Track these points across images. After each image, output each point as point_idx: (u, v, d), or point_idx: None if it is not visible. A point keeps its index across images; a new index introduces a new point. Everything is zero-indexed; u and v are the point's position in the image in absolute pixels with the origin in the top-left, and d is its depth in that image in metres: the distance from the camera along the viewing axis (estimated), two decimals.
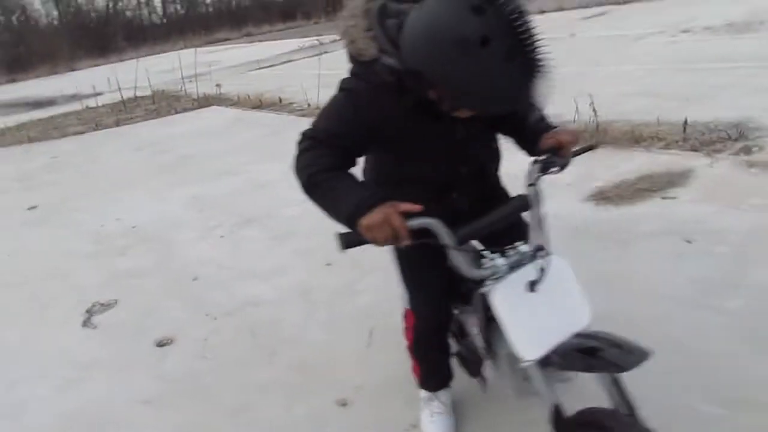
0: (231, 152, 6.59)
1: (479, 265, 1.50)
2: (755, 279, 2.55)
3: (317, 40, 17.44)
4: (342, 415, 2.28)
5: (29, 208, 5.69)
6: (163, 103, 10.99)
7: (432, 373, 2.10)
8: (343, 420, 2.26)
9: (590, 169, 3.91)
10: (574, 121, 4.81)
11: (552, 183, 1.73)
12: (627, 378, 1.44)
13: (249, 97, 9.58)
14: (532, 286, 1.45)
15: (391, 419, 2.19)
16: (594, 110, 4.69)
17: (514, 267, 1.49)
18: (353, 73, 1.54)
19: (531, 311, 1.45)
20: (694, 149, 4.05)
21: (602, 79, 6.53)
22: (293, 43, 18.62)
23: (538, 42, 1.26)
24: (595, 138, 4.39)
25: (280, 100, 8.95)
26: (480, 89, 1.30)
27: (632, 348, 1.37)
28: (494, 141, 1.79)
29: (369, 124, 1.51)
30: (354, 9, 1.50)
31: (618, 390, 1.49)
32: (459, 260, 1.48)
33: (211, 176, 5.72)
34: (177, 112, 9.87)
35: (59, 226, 5.05)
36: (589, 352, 1.40)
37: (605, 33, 9.88)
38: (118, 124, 9.74)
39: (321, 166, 1.48)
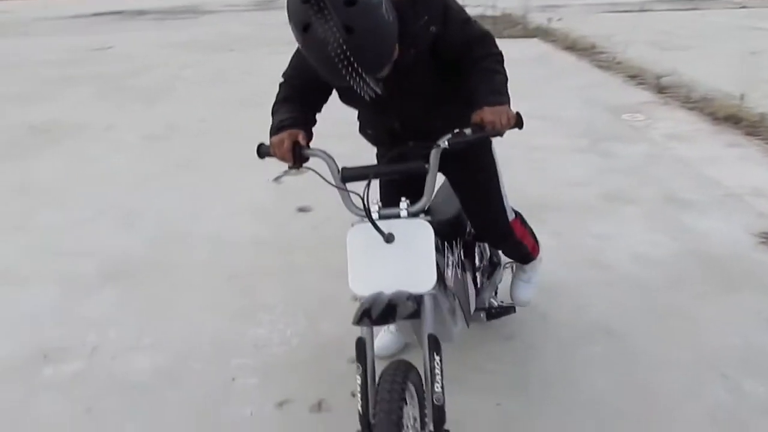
0: None
1: (354, 206, 1.75)
2: None
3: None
4: None
5: None
6: (500, 26, 11.65)
7: None
8: None
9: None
10: None
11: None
12: None
13: (568, 37, 9.67)
14: (388, 238, 1.70)
15: None
16: None
17: (383, 217, 1.74)
18: None
19: (375, 256, 1.71)
20: None
21: None
22: None
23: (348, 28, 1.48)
24: None
25: (593, 47, 8.90)
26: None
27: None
28: (445, 102, 1.93)
29: (314, 73, 1.69)
30: None
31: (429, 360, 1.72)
32: (341, 196, 1.77)
33: None
34: (500, 37, 10.46)
35: None
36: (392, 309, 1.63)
37: None
38: None
39: (278, 97, 1.97)
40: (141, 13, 19.12)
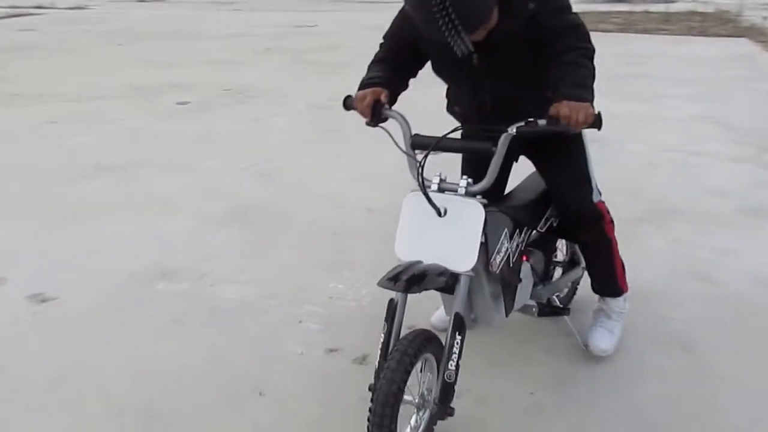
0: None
1: (417, 174, 1.80)
2: None
3: None
4: None
5: None
6: (708, 23, 10.65)
7: None
8: None
9: None
10: None
11: None
12: None
13: None
14: (440, 212, 1.76)
15: None
16: None
17: (441, 190, 1.81)
18: None
19: (424, 226, 1.79)
20: None
21: None
22: None
23: None
24: None
25: None
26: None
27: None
28: (538, 87, 1.89)
29: (411, 39, 1.92)
30: None
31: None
32: (408, 162, 1.86)
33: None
34: (699, 34, 9.58)
35: None
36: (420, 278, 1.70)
37: None
38: (646, 31, 10.09)
39: (374, 57, 2.09)
40: None
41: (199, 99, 6.57)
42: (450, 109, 2.23)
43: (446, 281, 1.78)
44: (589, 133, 2.05)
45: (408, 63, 2.05)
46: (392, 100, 1.99)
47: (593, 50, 1.86)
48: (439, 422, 1.88)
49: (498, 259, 1.93)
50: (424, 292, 1.76)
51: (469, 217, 1.78)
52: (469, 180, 1.83)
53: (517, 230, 2.06)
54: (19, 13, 14.75)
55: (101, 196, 4.01)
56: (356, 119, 2.03)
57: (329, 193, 4.01)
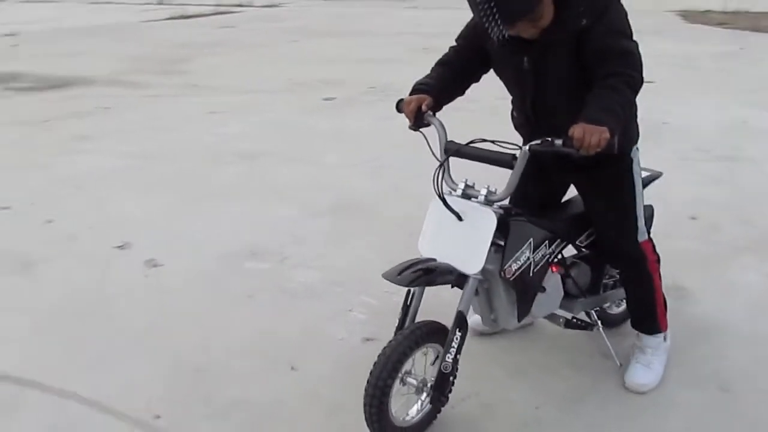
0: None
1: (445, 181, 2.00)
2: None
3: None
4: None
5: None
6: None
7: None
8: None
9: None
10: None
11: None
12: None
13: None
14: (460, 216, 1.92)
15: None
16: None
17: (465, 197, 1.96)
18: None
19: (444, 227, 1.96)
20: None
21: None
22: None
23: None
24: None
25: None
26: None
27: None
28: (575, 90, 1.90)
29: (480, 40, 2.00)
30: None
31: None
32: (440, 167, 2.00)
33: None
34: None
35: None
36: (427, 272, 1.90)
37: None
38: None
39: (440, 58, 2.18)
40: None
41: (345, 95, 7.04)
42: (511, 114, 2.27)
43: (453, 280, 1.95)
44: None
45: (473, 66, 2.13)
46: (438, 106, 2.12)
47: (639, 80, 1.85)
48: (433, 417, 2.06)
49: (514, 267, 2.02)
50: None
51: (481, 223, 1.92)
52: (492, 189, 1.95)
53: (547, 242, 2.11)
54: (222, 11, 16.59)
55: (231, 181, 4.57)
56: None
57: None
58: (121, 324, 2.83)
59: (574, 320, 2.38)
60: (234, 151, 5.21)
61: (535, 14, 1.81)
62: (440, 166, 2.00)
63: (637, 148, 2.16)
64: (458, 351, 1.95)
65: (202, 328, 2.78)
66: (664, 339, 2.35)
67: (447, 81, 2.14)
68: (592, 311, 2.45)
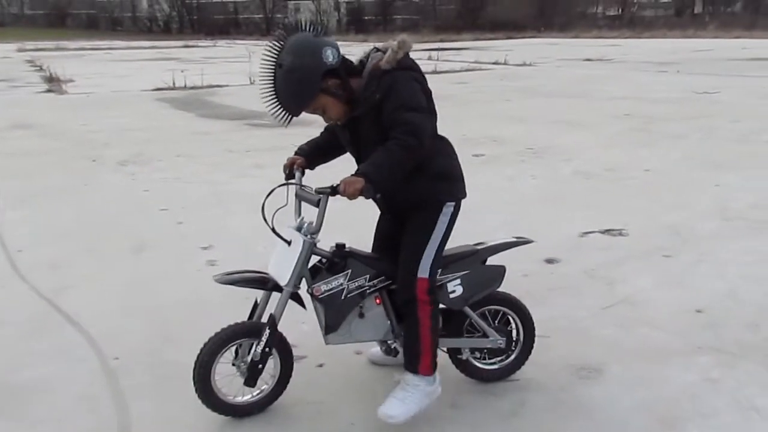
0: None
1: (263, 213, 2.46)
2: None
3: None
4: None
5: None
6: None
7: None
8: None
9: None
10: None
11: None
12: None
13: None
14: (288, 242, 2.44)
15: None
16: None
17: (297, 229, 2.45)
18: None
19: (278, 251, 2.50)
20: None
21: None
22: None
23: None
24: None
25: None
26: None
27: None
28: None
29: None
30: None
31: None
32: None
33: None
34: None
35: None
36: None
37: None
38: None
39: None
40: None
41: (495, 153, 7.38)
42: None
43: (270, 288, 2.51)
44: None
45: (336, 137, 2.59)
46: (311, 166, 2.68)
47: (414, 145, 2.22)
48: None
49: (324, 288, 2.45)
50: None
51: (295, 247, 2.43)
52: (310, 223, 2.44)
53: (368, 276, 2.49)
54: (473, 67, 17.80)
55: None
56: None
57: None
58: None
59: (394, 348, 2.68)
60: None
61: (307, 111, 2.35)
62: (265, 198, 2.41)
63: (456, 207, 2.47)
64: (266, 345, 2.44)
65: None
66: (429, 383, 2.46)
67: (320, 147, 2.68)
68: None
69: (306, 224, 2.45)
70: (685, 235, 4.55)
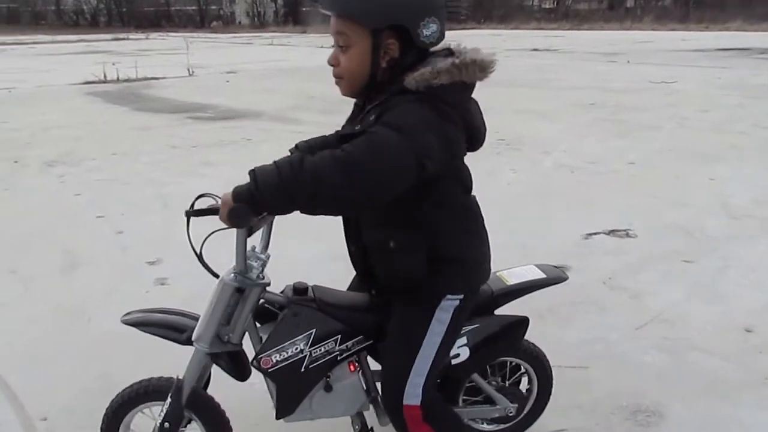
0: None
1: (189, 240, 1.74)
2: None
3: None
4: None
5: None
6: None
7: None
8: None
9: None
10: None
11: None
12: None
13: None
14: (217, 276, 1.74)
15: None
16: None
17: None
18: None
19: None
20: None
21: None
22: None
23: None
24: None
25: None
26: None
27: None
28: (391, 239, 1.66)
29: None
30: None
31: None
32: None
33: None
34: None
35: None
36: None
37: None
38: None
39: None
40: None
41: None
42: None
43: (181, 339, 1.80)
44: None
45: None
46: None
47: (359, 162, 1.43)
48: None
49: (276, 358, 1.74)
50: None
51: (216, 292, 1.72)
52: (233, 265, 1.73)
53: (339, 336, 1.78)
54: None
55: None
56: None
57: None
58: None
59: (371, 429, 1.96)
60: None
61: (342, 23, 1.56)
62: (187, 223, 1.74)
63: (465, 301, 1.73)
64: (166, 418, 1.79)
65: None
66: None
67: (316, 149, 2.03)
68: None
69: (233, 267, 1.71)
70: (697, 235, 4.11)
